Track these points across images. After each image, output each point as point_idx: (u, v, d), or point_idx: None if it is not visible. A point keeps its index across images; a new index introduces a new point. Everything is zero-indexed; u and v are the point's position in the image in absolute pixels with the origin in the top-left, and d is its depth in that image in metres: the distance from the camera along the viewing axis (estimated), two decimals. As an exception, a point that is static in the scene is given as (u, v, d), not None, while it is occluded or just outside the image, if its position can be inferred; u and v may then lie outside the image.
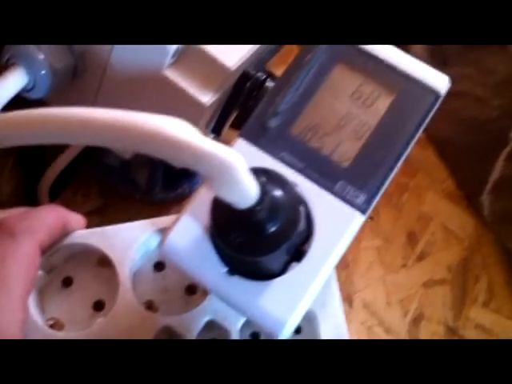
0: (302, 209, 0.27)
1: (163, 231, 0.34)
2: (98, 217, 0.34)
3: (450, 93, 0.52)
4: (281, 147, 0.29)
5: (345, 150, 0.29)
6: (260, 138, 0.29)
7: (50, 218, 0.31)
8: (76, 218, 0.33)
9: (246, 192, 0.23)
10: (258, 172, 0.25)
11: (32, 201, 0.47)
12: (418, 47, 0.53)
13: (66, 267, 0.34)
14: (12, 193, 0.45)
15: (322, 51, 0.31)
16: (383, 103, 0.30)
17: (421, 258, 0.45)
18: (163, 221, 0.34)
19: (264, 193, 0.24)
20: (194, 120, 0.37)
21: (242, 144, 0.29)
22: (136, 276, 0.33)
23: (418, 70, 0.30)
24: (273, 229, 0.25)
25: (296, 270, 0.27)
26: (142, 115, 0.20)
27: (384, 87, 0.30)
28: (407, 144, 0.29)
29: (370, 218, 0.46)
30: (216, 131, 0.41)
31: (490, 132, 0.48)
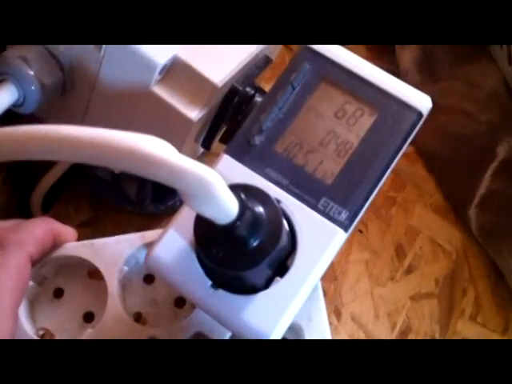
0: (283, 224, 0.28)
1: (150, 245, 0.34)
2: (90, 229, 0.35)
3: (437, 107, 0.53)
4: (265, 164, 0.30)
5: (328, 167, 0.30)
6: (245, 155, 0.30)
7: (40, 230, 0.31)
8: (67, 231, 0.33)
9: (225, 208, 0.23)
10: (238, 188, 0.25)
11: (24, 214, 0.47)
12: (406, 61, 0.54)
13: (57, 279, 0.34)
14: (3, 206, 0.46)
15: (306, 70, 0.31)
16: (366, 122, 0.30)
17: (408, 271, 0.45)
18: (152, 234, 0.34)
19: (244, 209, 0.24)
20: (181, 135, 0.38)
21: (227, 160, 0.30)
22: (125, 288, 0.34)
23: (401, 90, 0.31)
24: (254, 244, 0.26)
25: (279, 285, 0.28)
26: (118, 133, 0.20)
27: (367, 106, 0.30)
28: (389, 163, 0.30)
29: (359, 230, 0.47)
30: (205, 145, 0.42)
31: (477, 146, 0.49)
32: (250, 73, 0.41)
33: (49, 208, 0.48)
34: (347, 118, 0.30)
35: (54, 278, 0.34)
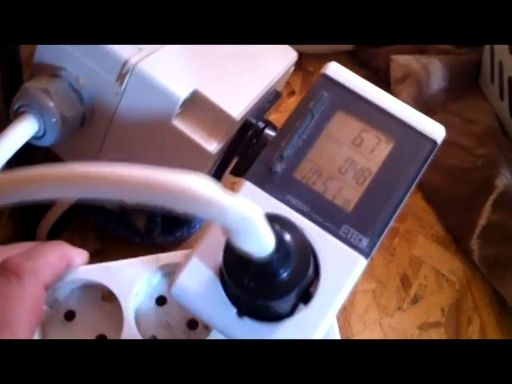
0: (310, 254, 0.28)
1: (169, 271, 0.34)
2: (97, 260, 0.35)
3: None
4: (286, 191, 0.30)
5: (347, 194, 0.30)
6: (266, 182, 0.30)
7: (54, 257, 0.31)
8: (79, 253, 0.33)
9: (266, 244, 0.24)
10: (271, 219, 0.26)
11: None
12: (404, 96, 0.55)
13: (68, 301, 0.34)
14: (10, 236, 0.45)
15: (324, 98, 0.32)
16: (383, 150, 0.31)
17: (415, 300, 0.46)
18: (166, 257, 0.34)
19: (280, 242, 0.25)
20: (200, 168, 0.38)
21: (249, 187, 0.30)
22: (139, 311, 0.34)
23: (416, 119, 0.31)
24: (285, 274, 0.26)
25: (304, 312, 0.28)
26: (166, 172, 0.20)
27: (383, 135, 0.31)
28: (407, 190, 0.30)
29: (365, 261, 0.48)
30: (217, 177, 0.43)
31: (475, 179, 0.50)
32: (262, 107, 0.42)
33: (55, 239, 0.48)
34: (365, 146, 0.31)
35: (65, 300, 0.34)
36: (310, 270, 0.28)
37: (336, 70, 0.33)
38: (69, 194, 0.21)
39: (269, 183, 0.30)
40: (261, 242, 0.24)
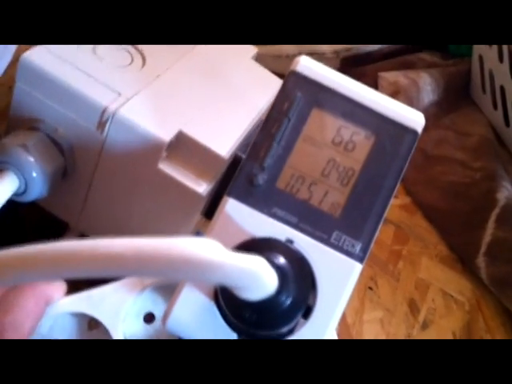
0: (309, 273, 0.27)
1: (155, 286, 0.33)
2: None
3: (430, 157, 0.53)
4: (271, 203, 0.29)
5: (333, 197, 0.29)
6: (250, 196, 0.29)
7: (31, 303, 0.30)
8: (56, 288, 0.32)
9: (270, 288, 0.23)
10: (267, 249, 0.26)
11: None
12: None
13: (54, 332, 0.32)
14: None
15: (299, 98, 0.30)
16: (364, 146, 0.29)
17: (424, 326, 0.44)
18: None
19: (282, 279, 0.24)
20: (190, 210, 0.37)
21: (233, 204, 0.29)
22: (127, 333, 0.32)
23: (394, 109, 0.30)
24: (287, 302, 0.25)
25: (306, 328, 0.27)
26: (164, 241, 0.19)
27: (362, 129, 0.30)
28: (393, 186, 0.29)
29: (369, 288, 0.46)
30: (208, 215, 0.41)
31: (475, 195, 0.49)
32: (250, 140, 0.41)
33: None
34: (345, 144, 0.30)
35: (49, 331, 0.32)
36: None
37: (306, 65, 0.30)
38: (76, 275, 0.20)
39: (252, 197, 0.29)
40: (265, 289, 0.23)
